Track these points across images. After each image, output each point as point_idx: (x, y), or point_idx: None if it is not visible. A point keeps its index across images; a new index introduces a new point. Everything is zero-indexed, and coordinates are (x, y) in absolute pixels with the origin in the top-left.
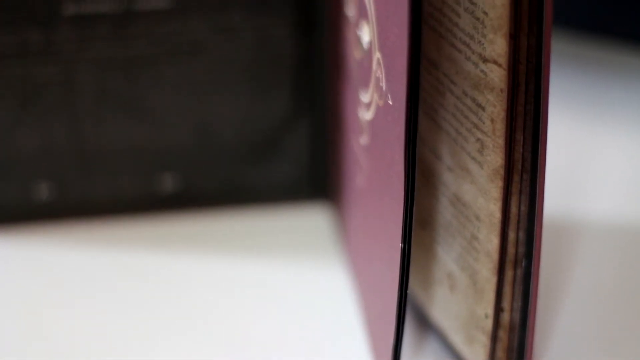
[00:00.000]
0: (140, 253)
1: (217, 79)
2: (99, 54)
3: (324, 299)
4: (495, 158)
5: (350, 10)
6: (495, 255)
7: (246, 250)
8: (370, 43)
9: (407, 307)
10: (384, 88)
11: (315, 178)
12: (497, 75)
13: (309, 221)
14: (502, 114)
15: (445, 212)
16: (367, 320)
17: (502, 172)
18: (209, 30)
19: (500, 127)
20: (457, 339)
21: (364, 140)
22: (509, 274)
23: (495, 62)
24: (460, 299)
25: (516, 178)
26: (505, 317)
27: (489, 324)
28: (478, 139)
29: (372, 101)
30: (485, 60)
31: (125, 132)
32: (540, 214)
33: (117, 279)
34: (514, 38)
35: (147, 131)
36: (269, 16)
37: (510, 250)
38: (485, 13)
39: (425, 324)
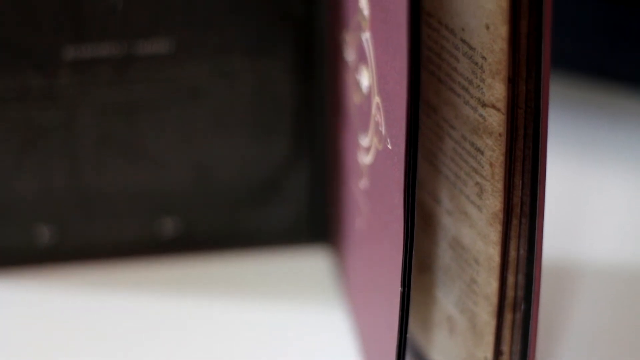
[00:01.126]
0: (141, 296)
1: (217, 123)
2: (100, 98)
3: (324, 342)
4: (494, 202)
5: (350, 55)
6: (494, 299)
7: (246, 294)
8: (370, 87)
9: (406, 350)
10: (383, 132)
11: (315, 221)
12: (495, 120)
13: (309, 264)
14: (501, 158)
15: (444, 255)
16: None
17: (501, 216)
18: (209, 75)
19: (499, 171)
20: None
21: (363, 184)
22: (508, 317)
23: (494, 107)
24: (460, 342)
25: (515, 222)
26: None
27: None
28: (477, 183)
29: (371, 145)
30: (484, 105)
31: (125, 176)
32: (539, 257)
33: (118, 323)
34: (512, 83)
35: (148, 175)
36: (269, 60)
37: (510, 293)
38: (484, 58)
39: None
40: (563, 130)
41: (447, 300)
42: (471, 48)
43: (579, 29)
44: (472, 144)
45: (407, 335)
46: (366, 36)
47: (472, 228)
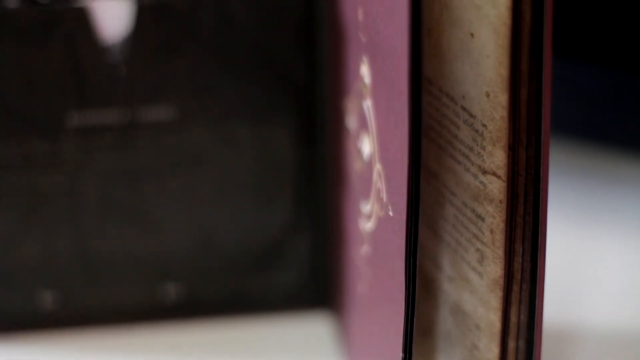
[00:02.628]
0: None
1: (220, 189)
2: (103, 165)
3: None
4: (495, 268)
5: (351, 123)
6: None
7: (248, 359)
8: (371, 155)
9: None
10: (384, 199)
11: (317, 287)
12: (496, 187)
13: (311, 329)
14: (502, 225)
15: (445, 321)
16: None
17: (501, 282)
18: (212, 141)
19: (499, 237)
20: None
21: (364, 250)
22: None
23: (494, 174)
24: None
25: (516, 288)
26: None
27: None
28: (478, 250)
29: (372, 212)
30: (484, 172)
31: (128, 242)
32: (539, 323)
33: None
34: (512, 150)
35: (151, 241)
36: (271, 127)
37: (511, 359)
38: (484, 126)
39: None
40: (563, 196)
41: None
42: (472, 116)
43: (579, 95)
44: (473, 211)
45: None
46: (367, 104)
47: (473, 294)
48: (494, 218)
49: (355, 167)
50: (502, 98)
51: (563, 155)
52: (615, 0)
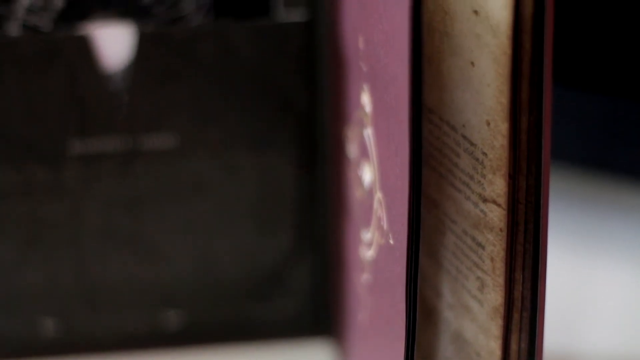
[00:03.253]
0: None
1: (221, 217)
2: (104, 192)
3: None
4: (495, 296)
5: (352, 151)
6: None
7: None
8: (372, 183)
9: None
10: (385, 227)
11: (318, 314)
12: (496, 215)
13: (312, 357)
14: (502, 253)
15: (446, 349)
16: None
17: (502, 310)
18: (213, 169)
19: (500, 266)
20: None
21: (365, 278)
22: None
23: (494, 202)
24: None
25: (516, 316)
26: None
27: None
28: (478, 278)
29: (373, 240)
30: (484, 200)
31: (130, 269)
32: (540, 351)
33: None
34: (512, 179)
35: (152, 268)
36: (272, 154)
37: None
38: (485, 154)
39: None
40: (564, 224)
41: None
42: (472, 144)
43: (579, 122)
44: (473, 239)
45: None
46: (368, 132)
47: (473, 322)
48: (494, 246)
49: (355, 195)
50: (502, 127)
51: (563, 183)
52: (615, 29)
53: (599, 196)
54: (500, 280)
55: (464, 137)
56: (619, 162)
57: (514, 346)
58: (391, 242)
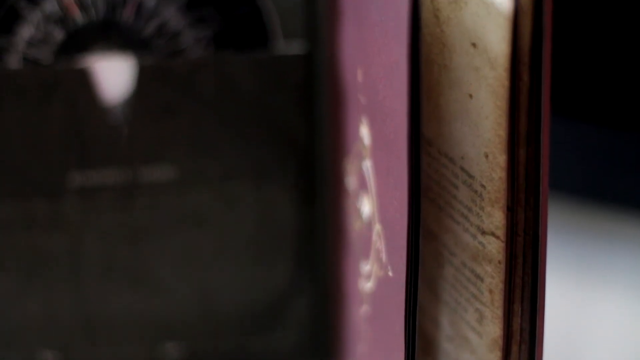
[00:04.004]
0: None
1: (221, 249)
2: (104, 224)
3: None
4: (494, 328)
5: (351, 183)
6: None
7: None
8: (371, 215)
9: None
10: (384, 260)
11: (317, 347)
12: (495, 247)
13: None
14: (500, 286)
15: None
16: None
17: (500, 342)
18: (213, 201)
19: (498, 298)
20: None
21: (364, 310)
22: None
23: (493, 235)
24: None
25: (515, 348)
26: None
27: None
28: (477, 310)
29: (372, 272)
30: (483, 233)
31: (129, 301)
32: None
33: None
34: (511, 211)
35: (151, 301)
36: (272, 186)
37: None
38: (483, 186)
39: None
40: (562, 256)
41: None
42: (470, 176)
43: (577, 153)
44: (472, 271)
45: None
46: (367, 164)
47: (472, 354)
48: (492, 278)
49: (354, 228)
50: (500, 159)
51: (561, 214)
52: (612, 60)
53: (597, 227)
54: (499, 312)
55: (463, 169)
56: (617, 193)
57: None
58: (390, 274)
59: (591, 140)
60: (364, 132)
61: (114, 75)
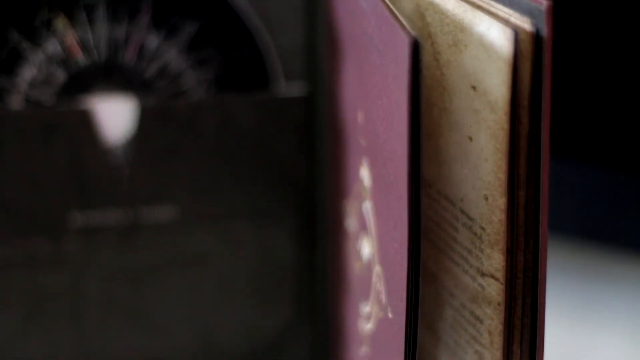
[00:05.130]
0: None
1: (221, 289)
2: (105, 264)
3: None
4: None
5: (351, 224)
6: None
7: None
8: (371, 256)
9: None
10: (383, 301)
11: None
12: (494, 289)
13: None
14: (500, 327)
15: None
16: None
17: None
18: (213, 242)
19: (497, 339)
20: None
21: (364, 351)
22: None
23: (492, 276)
24: None
25: None
26: None
27: None
28: (476, 351)
29: (372, 313)
30: (483, 274)
31: (130, 341)
32: None
33: None
34: (510, 253)
35: (152, 340)
36: (272, 227)
37: None
38: (483, 228)
39: None
40: (561, 297)
41: None
42: (470, 219)
43: (576, 195)
44: (472, 313)
45: None
46: (367, 206)
47: None
48: (492, 320)
49: (354, 269)
50: (500, 201)
51: (561, 256)
52: (611, 102)
53: (596, 269)
54: (498, 354)
55: (462, 211)
56: (615, 235)
57: None
58: (390, 315)
59: (590, 182)
60: (364, 173)
61: (115, 116)
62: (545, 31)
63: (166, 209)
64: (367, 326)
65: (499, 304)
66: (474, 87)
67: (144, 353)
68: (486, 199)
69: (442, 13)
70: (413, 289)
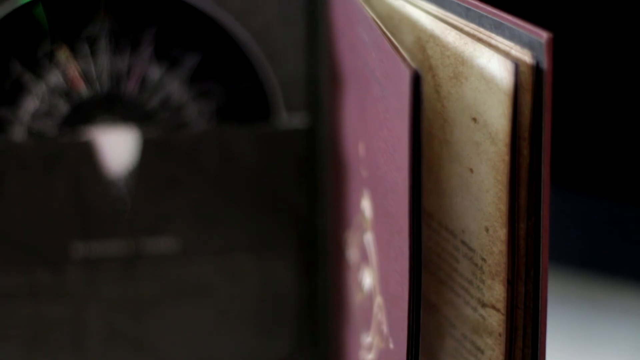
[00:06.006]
0: None
1: (222, 320)
2: (107, 295)
3: None
4: None
5: (352, 255)
6: None
7: None
8: (372, 287)
9: None
10: (385, 332)
11: None
12: (495, 320)
13: None
14: (501, 358)
15: None
16: None
17: None
18: (215, 273)
19: None
20: None
21: None
22: None
23: (493, 307)
24: None
25: None
26: None
27: None
28: None
29: (373, 344)
30: (484, 305)
31: None
32: None
33: None
34: (511, 284)
35: None
36: (274, 259)
37: None
38: (484, 259)
39: None
40: (562, 327)
41: None
42: (471, 250)
43: (577, 226)
44: (473, 343)
45: None
46: (368, 237)
47: None
48: (493, 350)
49: (355, 299)
50: (501, 233)
51: (561, 286)
52: (611, 133)
53: (597, 299)
54: None
55: (463, 242)
56: (616, 265)
57: None
58: (391, 346)
59: (590, 212)
60: (365, 205)
61: (117, 147)
62: (545, 63)
63: (167, 240)
64: (368, 357)
65: (500, 335)
66: (474, 119)
67: None
68: (487, 230)
69: (442, 46)
70: (414, 319)
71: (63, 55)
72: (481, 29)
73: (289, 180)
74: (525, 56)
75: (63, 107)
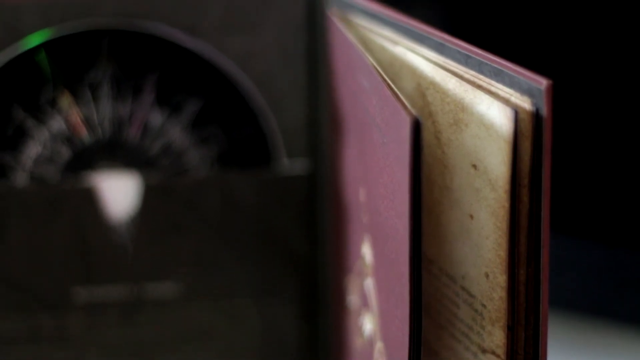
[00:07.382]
0: None
1: None
2: (109, 340)
3: None
4: None
5: (353, 301)
6: None
7: None
8: (372, 333)
9: None
10: None
11: None
12: None
13: None
14: None
15: None
16: None
17: None
18: (216, 317)
19: None
20: None
21: None
22: None
23: (493, 353)
24: None
25: None
26: None
27: None
28: None
29: None
30: (484, 351)
31: None
32: None
33: None
34: (511, 330)
35: None
36: (275, 304)
37: None
38: (484, 305)
39: None
40: None
41: None
42: (471, 295)
43: (577, 272)
44: None
45: None
46: (368, 282)
47: None
48: None
49: (356, 345)
50: (500, 279)
51: (562, 332)
52: (611, 179)
53: (597, 345)
54: None
55: (463, 288)
56: (617, 310)
57: None
58: None
59: (591, 258)
60: (366, 250)
61: (119, 193)
62: (545, 111)
63: (169, 285)
64: None
65: None
66: (474, 166)
67: None
68: (487, 276)
69: (443, 92)
70: None
71: (65, 101)
72: (481, 76)
73: (290, 225)
74: (525, 103)
75: (65, 153)
